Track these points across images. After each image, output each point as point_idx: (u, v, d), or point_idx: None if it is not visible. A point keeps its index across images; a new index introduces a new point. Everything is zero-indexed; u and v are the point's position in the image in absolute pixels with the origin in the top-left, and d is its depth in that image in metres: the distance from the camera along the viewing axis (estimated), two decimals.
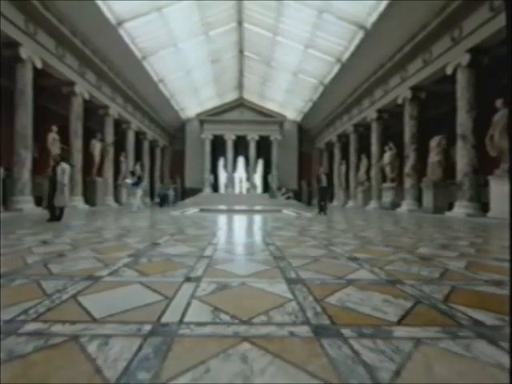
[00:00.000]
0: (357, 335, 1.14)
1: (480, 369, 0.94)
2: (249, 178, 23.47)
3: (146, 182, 16.18)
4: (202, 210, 11.33)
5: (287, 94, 19.40)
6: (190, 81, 17.51)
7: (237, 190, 24.24)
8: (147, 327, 1.19)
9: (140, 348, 1.03)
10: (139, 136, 18.16)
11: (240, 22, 14.10)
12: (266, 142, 23.05)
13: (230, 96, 21.88)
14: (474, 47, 8.10)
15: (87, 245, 3.20)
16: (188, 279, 1.89)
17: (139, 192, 10.78)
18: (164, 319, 1.27)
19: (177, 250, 2.92)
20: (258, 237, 4.22)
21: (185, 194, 20.52)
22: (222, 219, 7.52)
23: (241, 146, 23.06)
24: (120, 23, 11.20)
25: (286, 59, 15.54)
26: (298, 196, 22.24)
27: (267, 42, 14.71)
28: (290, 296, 1.59)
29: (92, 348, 1.03)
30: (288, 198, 21.19)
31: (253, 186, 23.24)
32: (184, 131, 23.64)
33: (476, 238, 4.21)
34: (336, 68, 14.25)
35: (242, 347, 1.04)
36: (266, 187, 23.79)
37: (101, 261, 2.41)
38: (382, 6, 10.24)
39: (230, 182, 23.08)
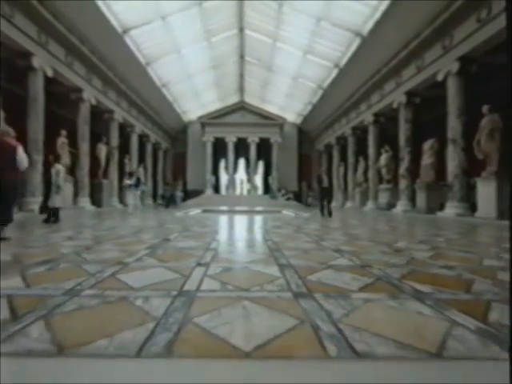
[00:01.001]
0: (324, 297, 1.60)
1: (404, 313, 1.39)
2: (250, 180, 23.94)
3: (145, 184, 16.74)
4: (204, 211, 11.79)
5: (287, 97, 19.89)
6: (192, 85, 18.01)
7: (238, 192, 24.71)
8: (174, 292, 1.65)
9: (172, 303, 1.49)
10: (142, 139, 18.67)
11: (241, 29, 14.60)
12: (267, 144, 23.54)
13: (231, 99, 22.39)
14: (463, 56, 8.55)
15: (107, 240, 3.67)
16: (199, 264, 2.35)
17: (137, 193, 11.27)
18: (185, 288, 1.73)
19: (186, 244, 3.38)
20: (257, 234, 4.68)
21: (187, 195, 20.99)
22: (224, 219, 7.98)
23: (242, 148, 23.54)
24: (125, 31, 11.71)
25: (285, 64, 16.02)
26: (298, 197, 22.70)
27: (267, 47, 15.20)
28: (279, 275, 2.05)
29: (138, 303, 1.49)
30: (288, 199, 21.65)
31: (253, 187, 23.71)
32: (186, 134, 24.16)
33: (454, 235, 4.65)
34: (334, 73, 14.72)
35: (243, 303, 1.50)
36: (267, 188, 24.26)
37: (124, 251, 2.87)
38: (378, 14, 10.71)
39: (231, 183, 23.57)
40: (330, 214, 8.52)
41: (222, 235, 4.43)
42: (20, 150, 3.68)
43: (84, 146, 11.96)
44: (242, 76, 19.10)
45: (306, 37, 13.36)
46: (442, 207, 9.36)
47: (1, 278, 1.91)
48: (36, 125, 9.36)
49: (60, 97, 11.63)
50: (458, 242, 3.90)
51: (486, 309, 1.45)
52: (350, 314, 1.38)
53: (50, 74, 9.71)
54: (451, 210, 8.74)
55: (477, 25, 7.96)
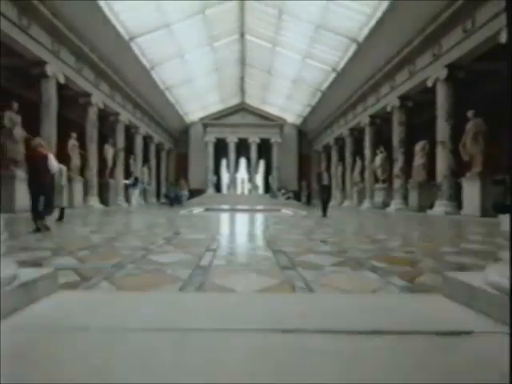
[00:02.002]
0: (303, 269, 2.19)
1: (357, 278, 1.98)
2: (250, 179, 24.54)
3: (149, 184, 17.40)
4: (207, 210, 12.38)
5: (287, 99, 20.46)
6: (194, 87, 18.60)
7: (239, 191, 25.31)
8: (193, 266, 2.25)
9: (192, 272, 2.08)
10: (146, 140, 19.28)
11: (242, 34, 15.16)
12: (267, 145, 24.12)
13: (233, 101, 22.97)
14: (451, 63, 9.09)
15: (127, 233, 4.27)
16: (208, 250, 2.94)
17: (136, 192, 11.90)
18: (200, 264, 2.33)
19: (195, 236, 3.98)
20: (256, 229, 5.27)
21: (191, 194, 21.57)
22: (226, 216, 8.58)
23: (243, 148, 24.13)
24: (132, 38, 12.31)
25: (285, 68, 16.59)
26: (297, 196, 23.28)
27: (268, 52, 15.76)
28: (272, 256, 2.65)
29: (169, 271, 2.09)
30: (288, 198, 22.23)
31: (254, 186, 24.31)
32: (188, 134, 24.76)
33: (432, 229, 5.23)
34: (332, 76, 15.28)
35: (243, 272, 2.10)
36: (268, 188, 24.85)
37: (145, 241, 3.47)
38: (373, 21, 11.27)
39: (233, 182, 24.17)
40: (324, 211, 8.18)
41: (225, 230, 5.03)
42: (51, 158, 4.31)
43: (92, 148, 12.56)
44: (242, 79, 19.66)
45: (304, 42, 13.92)
46: (431, 206, 9.91)
47: (54, 259, 2.51)
48: (49, 128, 9.94)
49: (69, 101, 12.23)
50: (430, 235, 4.48)
51: (416, 276, 2.03)
52: (319, 277, 1.97)
53: (61, 80, 10.31)
54: (440, 208, 9.30)
55: (463, 35, 8.50)
